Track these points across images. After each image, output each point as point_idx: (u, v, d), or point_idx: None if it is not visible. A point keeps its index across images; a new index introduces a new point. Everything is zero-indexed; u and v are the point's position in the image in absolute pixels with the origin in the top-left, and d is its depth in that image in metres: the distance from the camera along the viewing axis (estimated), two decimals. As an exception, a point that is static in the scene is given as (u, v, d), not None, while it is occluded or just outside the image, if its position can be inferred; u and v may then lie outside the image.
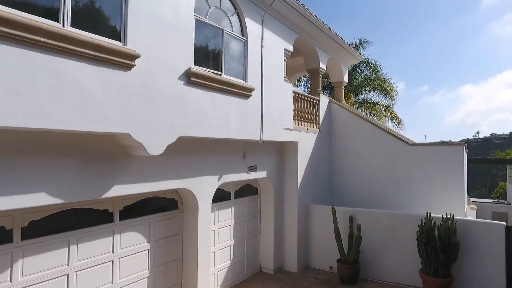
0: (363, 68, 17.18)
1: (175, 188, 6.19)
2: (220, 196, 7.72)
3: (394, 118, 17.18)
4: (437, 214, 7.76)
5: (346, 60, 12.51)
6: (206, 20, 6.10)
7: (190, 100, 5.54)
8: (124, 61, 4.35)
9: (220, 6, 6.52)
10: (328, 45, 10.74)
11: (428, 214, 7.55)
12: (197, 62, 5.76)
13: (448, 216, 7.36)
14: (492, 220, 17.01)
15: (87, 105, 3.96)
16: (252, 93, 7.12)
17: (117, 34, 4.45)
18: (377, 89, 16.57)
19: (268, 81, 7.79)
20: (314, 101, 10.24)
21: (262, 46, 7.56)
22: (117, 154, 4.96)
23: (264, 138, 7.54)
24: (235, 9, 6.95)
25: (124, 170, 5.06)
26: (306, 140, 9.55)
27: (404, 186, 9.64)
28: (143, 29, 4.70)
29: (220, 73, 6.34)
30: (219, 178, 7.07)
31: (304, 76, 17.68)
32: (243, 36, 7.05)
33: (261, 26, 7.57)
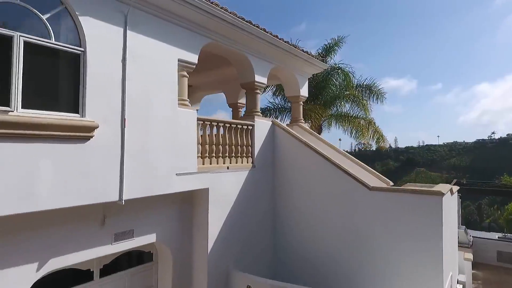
0: (338, 76, 14.45)
1: None
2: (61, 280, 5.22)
3: (377, 133, 14.43)
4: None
5: (303, 70, 9.89)
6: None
7: None
8: None
9: (18, -3, 4.05)
10: (268, 52, 8.16)
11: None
12: None
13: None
14: (497, 262, 14.09)
15: None
16: (96, 132, 4.62)
17: None
18: (350, 100, 13.85)
19: (142, 108, 5.29)
20: (245, 127, 7.67)
21: (124, 59, 5.05)
22: None
23: (131, 196, 5.04)
24: (62, 3, 4.47)
25: None
26: (225, 183, 6.98)
27: (365, 246, 6.97)
28: None
29: (8, 108, 3.86)
30: (40, 266, 4.58)
31: (273, 87, 15.06)
32: (76, 46, 4.55)
33: (122, 29, 5.07)
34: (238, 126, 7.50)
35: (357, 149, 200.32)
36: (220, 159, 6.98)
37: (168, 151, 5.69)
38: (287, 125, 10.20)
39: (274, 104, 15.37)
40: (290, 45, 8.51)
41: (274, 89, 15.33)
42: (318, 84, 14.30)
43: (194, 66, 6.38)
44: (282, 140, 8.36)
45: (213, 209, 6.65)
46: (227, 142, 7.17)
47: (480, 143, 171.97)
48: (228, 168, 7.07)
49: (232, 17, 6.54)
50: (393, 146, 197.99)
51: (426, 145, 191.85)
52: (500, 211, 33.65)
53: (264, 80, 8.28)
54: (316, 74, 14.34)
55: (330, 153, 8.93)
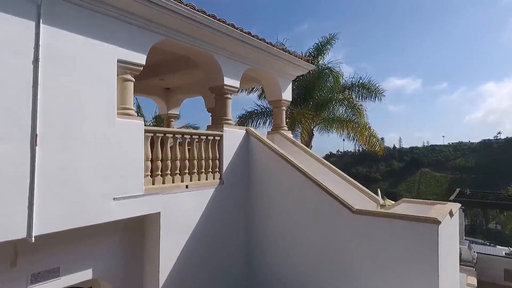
0: (328, 77, 13.32)
1: None
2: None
3: (373, 138, 13.30)
4: None
5: (285, 71, 8.83)
6: None
7: None
8: None
9: None
10: (240, 51, 7.14)
11: None
12: None
13: None
14: (505, 281, 12.90)
15: None
16: (-11, 153, 3.61)
17: None
18: (341, 103, 12.73)
19: (65, 121, 4.28)
20: (211, 138, 6.64)
21: (37, 60, 4.04)
22: None
23: (46, 230, 4.04)
24: None
25: None
26: (183, 205, 5.95)
27: (347, 278, 5.91)
28: None
29: None
30: None
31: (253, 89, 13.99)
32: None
33: (34, 23, 4.06)
34: (202, 137, 6.47)
35: (360, 149, 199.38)
36: (177, 177, 5.96)
37: (103, 171, 4.68)
38: (268, 133, 9.18)
39: (262, 107, 14.32)
40: (267, 43, 7.47)
41: (260, 91, 14.25)
42: (308, 86, 13.23)
43: (141, 68, 5.37)
44: (258, 152, 7.32)
45: (167, 237, 5.63)
46: (187, 156, 6.15)
47: (486, 143, 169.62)
48: (187, 187, 6.04)
49: (188, 10, 5.52)
50: (397, 146, 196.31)
51: (431, 145, 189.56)
52: (504, 214, 32.42)
53: (235, 83, 7.25)
54: (307, 75, 13.36)
55: (313, 166, 7.90)
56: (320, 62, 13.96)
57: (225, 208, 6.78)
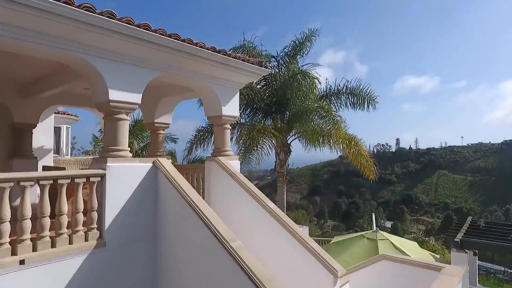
0: (301, 83, 10.87)
1: None
2: None
3: (362, 157, 10.77)
4: None
5: (224, 78, 6.62)
6: None
7: None
8: None
9: None
10: (136, 52, 4.99)
11: None
12: None
13: None
14: None
15: None
16: None
17: None
18: (317, 113, 10.28)
19: None
20: (81, 180, 4.51)
21: None
22: None
23: None
24: None
25: None
26: (14, 293, 3.84)
27: None
28: None
29: None
30: None
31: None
32: None
33: None
34: (62, 181, 4.34)
35: (375, 150, 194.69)
36: (5, 247, 3.85)
37: None
38: (207, 159, 7.00)
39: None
40: (183, 41, 5.30)
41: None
42: (278, 93, 10.92)
43: None
44: (166, 196, 5.16)
45: None
46: (26, 213, 4.02)
47: (507, 144, 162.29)
48: (23, 262, 3.92)
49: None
50: (413, 147, 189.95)
51: (448, 146, 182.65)
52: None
53: (133, 98, 5.09)
54: (281, 80, 11.12)
55: (249, 213, 5.69)
56: (300, 62, 11.69)
57: (108, 286, 4.63)
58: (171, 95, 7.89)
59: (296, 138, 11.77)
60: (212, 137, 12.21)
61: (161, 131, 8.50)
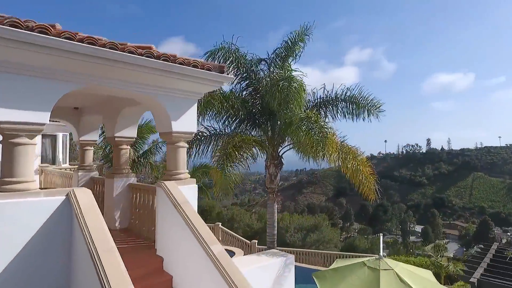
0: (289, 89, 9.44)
1: None
2: None
3: (361, 173, 9.25)
4: None
5: (175, 88, 5.49)
6: None
7: None
8: None
9: None
10: (39, 61, 3.98)
11: None
12: None
13: None
14: None
15: None
16: None
17: None
18: (306, 123, 8.80)
19: None
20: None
21: None
22: None
23: None
24: None
25: None
26: None
27: None
28: None
29: None
30: None
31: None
32: None
33: None
34: None
35: (404, 151, 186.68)
36: None
37: None
38: (157, 183, 5.90)
39: (212, 129, 10.80)
40: (102, 45, 4.23)
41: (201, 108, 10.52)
42: (267, 101, 9.58)
43: None
44: (78, 249, 4.12)
45: None
46: None
47: None
48: None
49: None
50: (445, 147, 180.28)
51: (485, 146, 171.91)
52: None
53: (36, 117, 4.09)
54: (267, 86, 9.83)
55: (191, 260, 4.56)
56: (292, 64, 10.33)
57: None
58: (130, 105, 6.88)
59: (289, 149, 10.50)
60: (211, 142, 11.11)
61: (124, 146, 7.52)
